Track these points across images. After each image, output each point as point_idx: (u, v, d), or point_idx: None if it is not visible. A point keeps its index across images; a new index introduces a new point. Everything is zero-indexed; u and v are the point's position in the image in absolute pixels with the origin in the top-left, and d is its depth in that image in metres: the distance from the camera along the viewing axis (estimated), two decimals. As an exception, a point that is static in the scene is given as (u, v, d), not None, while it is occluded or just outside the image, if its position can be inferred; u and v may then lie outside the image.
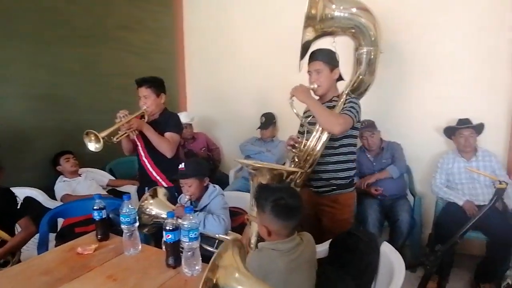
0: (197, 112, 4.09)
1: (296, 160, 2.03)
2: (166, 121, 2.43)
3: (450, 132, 2.86)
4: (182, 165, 1.98)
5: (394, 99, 3.14)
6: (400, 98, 3.14)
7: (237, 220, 2.15)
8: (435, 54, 2.97)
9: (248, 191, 2.64)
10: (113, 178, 3.33)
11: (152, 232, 2.01)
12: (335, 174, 2.05)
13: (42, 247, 2.10)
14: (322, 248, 1.79)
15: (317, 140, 1.97)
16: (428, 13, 2.94)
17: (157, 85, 2.44)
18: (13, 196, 1.85)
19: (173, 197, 2.05)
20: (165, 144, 2.33)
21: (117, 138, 2.28)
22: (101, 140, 2.14)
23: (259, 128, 3.51)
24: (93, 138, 2.19)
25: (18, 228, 1.91)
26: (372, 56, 2.42)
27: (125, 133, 2.30)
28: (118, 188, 3.23)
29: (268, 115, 3.50)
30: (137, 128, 2.30)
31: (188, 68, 4.37)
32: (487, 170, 2.68)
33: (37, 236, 2.08)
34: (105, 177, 3.27)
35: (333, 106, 2.01)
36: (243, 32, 3.84)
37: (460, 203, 2.63)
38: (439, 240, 2.31)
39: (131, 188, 3.15)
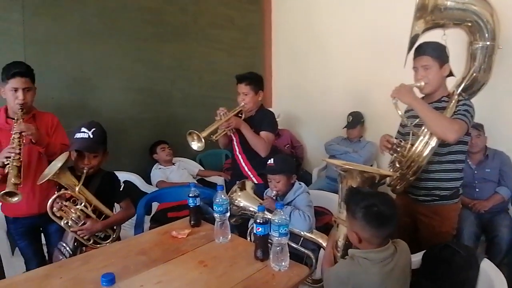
0: (282, 109, 4.10)
1: (397, 165, 1.89)
2: (262, 119, 2.44)
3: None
4: (271, 161, 1.99)
5: (500, 101, 2.77)
6: (505, 100, 2.76)
7: (321, 220, 2.11)
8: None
9: (332, 191, 2.59)
10: (202, 168, 3.51)
11: (238, 223, 2.07)
12: (439, 184, 1.87)
13: (139, 227, 2.29)
14: (415, 259, 1.67)
15: (424, 145, 1.78)
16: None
17: (257, 82, 2.46)
18: (117, 180, 2.02)
19: (260, 194, 2.07)
20: (261, 143, 2.34)
21: (216, 137, 2.36)
22: (203, 140, 2.24)
23: (345, 127, 3.41)
24: (195, 137, 2.28)
25: (116, 209, 2.08)
26: (489, 52, 2.13)
27: (224, 131, 2.36)
28: (206, 178, 3.40)
29: (355, 114, 3.38)
30: (235, 127, 2.35)
31: (274, 64, 4.40)
32: None
33: (134, 217, 2.25)
34: (196, 167, 3.46)
35: (443, 108, 1.81)
36: (332, 27, 3.74)
37: None
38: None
39: (218, 179, 3.30)
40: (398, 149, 1.88)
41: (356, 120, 3.37)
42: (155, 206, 2.66)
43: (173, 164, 3.24)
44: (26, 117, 1.93)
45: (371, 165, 3.28)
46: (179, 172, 3.18)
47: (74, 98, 2.89)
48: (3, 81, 1.90)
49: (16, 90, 1.88)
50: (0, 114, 1.96)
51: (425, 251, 1.71)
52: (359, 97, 3.55)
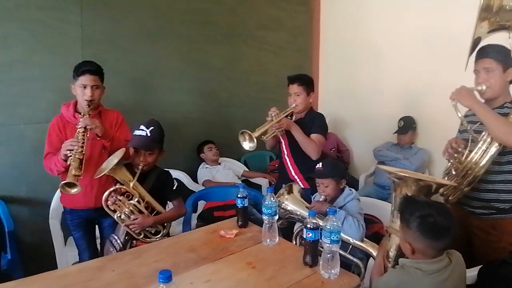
0: (328, 111, 3.98)
1: (453, 172, 1.79)
2: (312, 121, 2.41)
3: None
4: (319, 165, 1.96)
5: None
6: None
7: (370, 228, 2.04)
8: None
9: (380, 199, 2.52)
10: (247, 169, 3.54)
11: (284, 226, 2.05)
12: (497, 195, 1.75)
13: (187, 225, 2.34)
14: (470, 274, 1.58)
15: (482, 153, 1.68)
16: None
17: (308, 83, 2.44)
18: (171, 178, 2.07)
19: (307, 198, 2.04)
20: (312, 146, 2.31)
21: (266, 137, 2.35)
22: (255, 139, 2.25)
23: (396, 132, 3.29)
24: (247, 137, 2.30)
25: (169, 207, 2.13)
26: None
27: (274, 132, 2.35)
28: (250, 179, 3.42)
29: (407, 119, 3.26)
30: (286, 128, 2.33)
31: (322, 66, 4.33)
32: None
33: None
34: (240, 168, 3.50)
35: (505, 114, 1.70)
36: (383, 27, 3.62)
37: None
38: None
39: (262, 181, 3.31)
40: (456, 155, 1.78)
41: (407, 126, 3.25)
42: (201, 204, 2.71)
43: (219, 164, 3.30)
44: (93, 113, 2.03)
45: (423, 173, 3.15)
46: (224, 172, 3.22)
47: (129, 97, 2.99)
48: (74, 78, 2.02)
49: (85, 87, 1.98)
50: (69, 108, 2.06)
51: (481, 266, 1.62)
52: (411, 101, 3.42)
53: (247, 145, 2.31)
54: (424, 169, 3.20)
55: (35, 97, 2.56)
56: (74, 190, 1.80)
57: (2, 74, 2.45)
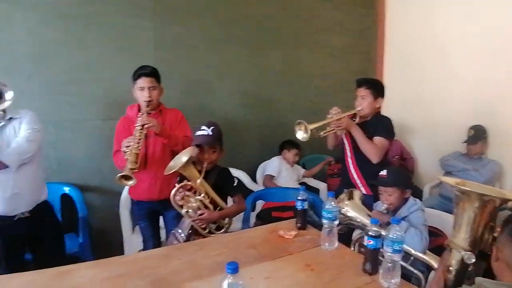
0: (392, 117, 3.86)
1: None
2: (377, 124, 2.36)
3: None
4: (383, 172, 1.92)
5: None
6: None
7: (434, 241, 1.95)
8: None
9: (445, 211, 2.39)
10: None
11: (343, 232, 2.04)
12: None
13: (246, 222, 2.42)
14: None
15: None
16: None
17: (377, 87, 2.41)
18: (231, 175, 2.17)
19: (369, 205, 2.01)
20: (372, 148, 2.26)
21: (324, 133, 2.37)
22: (309, 131, 2.27)
23: (465, 142, 3.11)
24: (303, 128, 2.32)
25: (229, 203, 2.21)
26: None
27: (333, 129, 2.35)
28: (307, 182, 3.42)
29: (478, 128, 3.07)
30: (346, 128, 2.32)
31: (386, 70, 4.20)
32: None
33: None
34: (300, 171, 3.50)
35: None
36: (453, 29, 3.44)
37: None
38: None
39: (320, 185, 3.28)
40: None
41: (478, 135, 3.07)
42: (259, 204, 2.77)
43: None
44: (154, 112, 2.19)
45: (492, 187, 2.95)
46: (289, 171, 3.27)
47: (193, 99, 3.13)
48: (133, 83, 2.19)
49: (142, 89, 2.14)
50: (134, 109, 2.24)
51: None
52: (482, 109, 3.21)
53: (300, 134, 2.33)
54: (494, 182, 3.01)
55: (110, 96, 2.78)
56: (130, 182, 1.93)
57: (80, 73, 2.69)
